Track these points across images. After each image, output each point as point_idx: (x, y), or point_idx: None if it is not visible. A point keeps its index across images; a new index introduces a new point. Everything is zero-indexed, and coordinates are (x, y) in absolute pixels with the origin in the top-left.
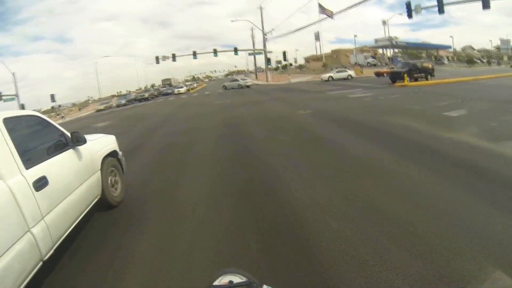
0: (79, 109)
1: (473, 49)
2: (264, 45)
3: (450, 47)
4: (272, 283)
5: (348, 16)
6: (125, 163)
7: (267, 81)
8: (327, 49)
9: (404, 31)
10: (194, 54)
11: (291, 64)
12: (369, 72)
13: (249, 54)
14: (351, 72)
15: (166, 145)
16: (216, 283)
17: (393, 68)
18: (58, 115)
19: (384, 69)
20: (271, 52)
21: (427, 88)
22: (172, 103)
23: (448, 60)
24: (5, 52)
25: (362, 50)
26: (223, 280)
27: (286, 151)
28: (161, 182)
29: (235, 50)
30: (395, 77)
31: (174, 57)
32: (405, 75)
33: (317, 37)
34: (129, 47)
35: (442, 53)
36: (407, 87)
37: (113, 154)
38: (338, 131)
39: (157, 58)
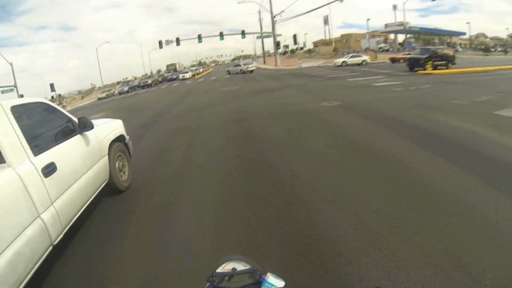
0: (82, 97)
1: (486, 37)
2: (273, 28)
3: (464, 33)
4: (276, 271)
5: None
6: (132, 147)
7: (276, 65)
8: (334, 34)
9: (414, 16)
10: (199, 38)
11: (301, 48)
12: (383, 58)
13: (257, 37)
14: (365, 57)
15: (157, 154)
16: (219, 270)
17: (409, 54)
18: (59, 104)
19: (400, 55)
20: (280, 35)
21: (453, 78)
22: (176, 90)
23: (461, 47)
24: (9, 43)
25: (373, 35)
26: (227, 267)
27: (320, 168)
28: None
29: (243, 33)
30: (413, 64)
31: (178, 41)
32: (429, 62)
33: (326, 21)
34: (134, 33)
35: (454, 40)
36: (431, 76)
37: (120, 139)
38: (389, 137)
39: (160, 43)
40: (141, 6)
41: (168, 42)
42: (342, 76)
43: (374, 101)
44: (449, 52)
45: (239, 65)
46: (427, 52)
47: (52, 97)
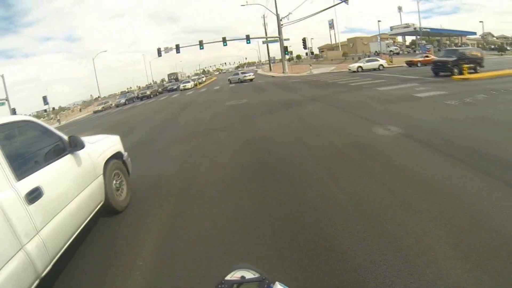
0: (80, 110)
1: (493, 36)
2: (280, 31)
3: (475, 33)
4: (285, 280)
5: (359, 4)
6: (131, 164)
7: (283, 72)
8: (338, 38)
9: (415, 18)
10: (201, 44)
11: (312, 53)
12: (397, 61)
13: (263, 42)
14: (382, 62)
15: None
16: (228, 277)
17: (427, 56)
18: (53, 118)
19: (417, 58)
20: (288, 39)
21: (497, 83)
22: (173, 102)
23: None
24: (15, 54)
25: (380, 37)
26: (235, 275)
27: None
28: None
29: (247, 38)
30: (439, 68)
31: (178, 48)
32: (462, 65)
33: (331, 25)
34: (139, 43)
35: (463, 40)
36: (470, 82)
37: (117, 156)
38: None
39: (158, 50)
40: (146, 16)
41: (167, 50)
42: (367, 84)
43: (448, 125)
44: (477, 53)
45: (238, 74)
46: (454, 54)
47: (45, 110)
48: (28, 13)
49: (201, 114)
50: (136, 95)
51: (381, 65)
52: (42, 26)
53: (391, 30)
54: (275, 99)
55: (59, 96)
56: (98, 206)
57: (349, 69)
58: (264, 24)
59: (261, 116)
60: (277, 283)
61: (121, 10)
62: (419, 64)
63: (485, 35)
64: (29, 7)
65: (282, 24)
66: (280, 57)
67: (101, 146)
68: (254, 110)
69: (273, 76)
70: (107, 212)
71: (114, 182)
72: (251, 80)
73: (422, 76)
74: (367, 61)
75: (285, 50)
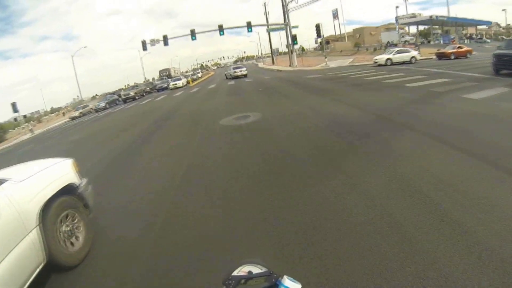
0: (63, 114)
1: (499, 26)
2: (286, 17)
3: (490, 23)
4: (293, 275)
5: None
6: (93, 196)
7: (290, 65)
8: (344, 29)
9: (414, 9)
10: (193, 34)
11: (327, 42)
12: (422, 53)
13: (267, 30)
14: (414, 53)
15: None
16: (235, 273)
17: (460, 47)
18: (24, 128)
19: (450, 50)
20: (297, 26)
21: None
22: (148, 113)
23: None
24: (12, 55)
25: (387, 28)
26: (243, 269)
27: None
28: None
29: (249, 26)
30: (503, 64)
31: (165, 40)
32: None
33: (336, 15)
34: (136, 39)
35: (471, 30)
36: None
37: (68, 189)
38: None
39: (143, 43)
40: (143, 12)
41: (153, 42)
42: (431, 85)
43: None
44: None
45: (229, 70)
46: None
47: (15, 119)
48: (25, 13)
49: (170, 160)
50: (117, 97)
51: (414, 57)
52: (39, 26)
53: (396, 20)
54: (310, 113)
55: (57, 96)
56: (37, 271)
57: (376, 62)
58: (266, 11)
59: (313, 177)
60: (285, 277)
61: (118, 7)
62: (452, 57)
63: (491, 26)
64: (25, 7)
65: (288, 9)
66: (283, 49)
67: (37, 182)
68: (287, 148)
69: (279, 70)
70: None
71: (64, 228)
72: (245, 75)
73: (483, 73)
74: (397, 53)
75: (293, 39)
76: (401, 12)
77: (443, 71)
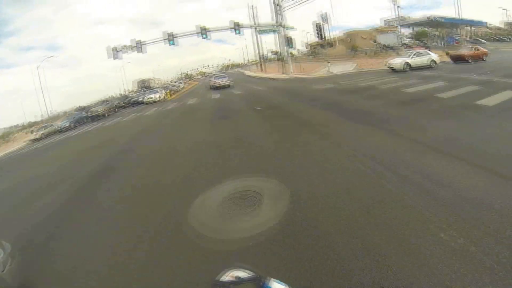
0: (32, 132)
1: (487, 27)
2: (278, 16)
3: (485, 23)
4: (278, 276)
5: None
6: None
7: (284, 72)
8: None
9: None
10: (170, 39)
11: (331, 44)
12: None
13: (258, 31)
14: (433, 56)
15: None
16: (222, 278)
17: (477, 49)
18: None
19: (467, 52)
20: (293, 27)
21: None
22: (103, 145)
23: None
24: None
25: (380, 30)
26: (230, 274)
27: None
28: None
29: (236, 28)
30: None
31: (140, 45)
32: None
33: (325, 18)
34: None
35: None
36: None
37: None
38: None
39: (114, 50)
40: (127, 21)
41: (125, 49)
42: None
43: None
44: None
45: (211, 79)
46: None
47: None
48: (8, 23)
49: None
50: (85, 114)
51: (433, 60)
52: (23, 36)
53: (385, 23)
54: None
55: (38, 108)
56: None
57: (391, 67)
58: (253, 12)
59: None
60: (271, 279)
61: (102, 17)
62: (470, 60)
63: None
64: (8, 17)
65: (283, 8)
66: (272, 56)
67: None
68: None
69: (272, 79)
70: None
71: None
72: (229, 86)
73: None
74: (416, 56)
75: (289, 42)
76: (386, 15)
77: (474, 77)
